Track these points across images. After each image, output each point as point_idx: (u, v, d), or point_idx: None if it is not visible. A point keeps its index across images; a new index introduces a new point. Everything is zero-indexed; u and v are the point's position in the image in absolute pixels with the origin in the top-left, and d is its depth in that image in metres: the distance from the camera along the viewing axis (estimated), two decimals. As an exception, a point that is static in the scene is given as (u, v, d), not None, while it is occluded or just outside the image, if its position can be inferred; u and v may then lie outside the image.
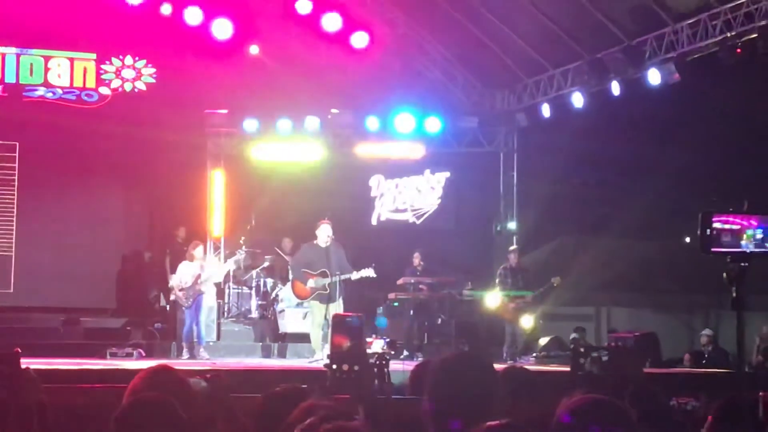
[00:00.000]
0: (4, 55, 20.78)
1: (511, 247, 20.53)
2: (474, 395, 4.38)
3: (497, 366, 4.99)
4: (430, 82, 22.64)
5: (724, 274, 4.54)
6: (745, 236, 4.53)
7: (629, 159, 21.98)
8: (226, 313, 20.95)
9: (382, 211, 22.85)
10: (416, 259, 20.23)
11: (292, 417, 4.61)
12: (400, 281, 20.01)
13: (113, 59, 21.41)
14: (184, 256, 18.80)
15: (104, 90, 21.31)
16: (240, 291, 21.28)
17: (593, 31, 19.16)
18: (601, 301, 25.09)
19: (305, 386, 5.60)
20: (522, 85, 22.01)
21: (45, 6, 20.24)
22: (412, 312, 19.84)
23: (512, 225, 22.72)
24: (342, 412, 4.62)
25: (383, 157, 22.43)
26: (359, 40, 20.76)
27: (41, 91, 20.98)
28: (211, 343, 19.40)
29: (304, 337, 18.64)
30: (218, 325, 20.35)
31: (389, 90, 21.84)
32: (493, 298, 20.03)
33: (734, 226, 4.53)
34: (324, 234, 17.12)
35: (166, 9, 20.52)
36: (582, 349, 13.36)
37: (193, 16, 20.38)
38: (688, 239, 23.66)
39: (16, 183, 21.23)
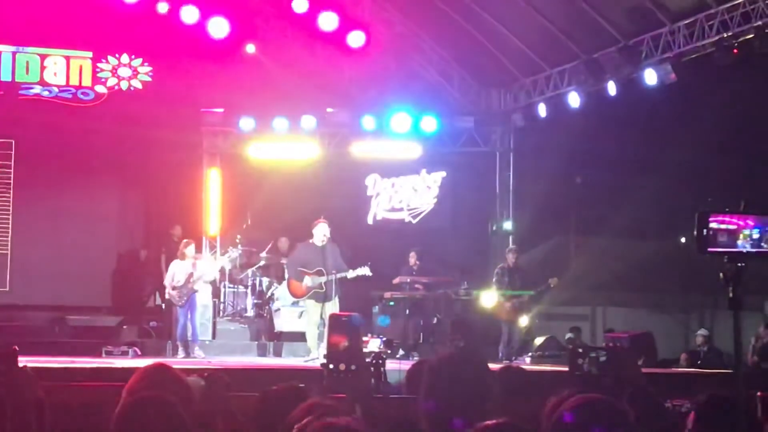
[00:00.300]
0: (0, 53, 20.75)
1: (509, 247, 20.53)
2: (469, 393, 4.40)
3: (493, 366, 5.01)
4: (427, 82, 22.63)
5: (721, 274, 4.54)
6: (741, 236, 4.54)
7: (625, 159, 21.98)
8: (221, 312, 20.95)
9: (378, 211, 22.84)
10: (412, 258, 20.24)
11: (292, 416, 4.62)
12: (395, 280, 20.03)
13: (109, 57, 21.39)
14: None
15: (100, 88, 21.29)
16: (236, 290, 21.28)
17: (590, 31, 19.18)
18: (596, 301, 25.10)
19: (302, 385, 5.61)
20: (518, 84, 22.02)
21: (41, 4, 20.24)
22: (407, 311, 19.85)
23: (508, 225, 22.71)
24: (341, 411, 4.62)
25: (379, 156, 22.42)
26: (355, 39, 20.74)
27: (37, 89, 20.96)
28: (206, 342, 19.41)
29: (299, 336, 18.66)
30: (214, 323, 20.36)
31: (385, 89, 21.84)
32: (489, 298, 20.05)
33: (731, 226, 4.53)
34: (320, 233, 17.13)
35: (162, 7, 20.51)
36: (580, 350, 13.37)
37: (189, 14, 20.37)
38: (683, 239, 23.70)
39: (11, 181, 21.22)
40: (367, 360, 12.19)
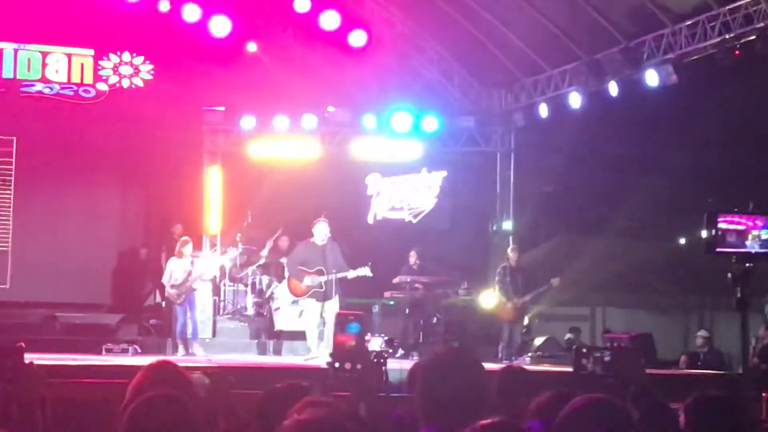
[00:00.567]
0: (1, 50, 20.75)
1: (511, 247, 20.51)
2: (463, 391, 4.41)
3: (493, 366, 5.02)
4: (428, 81, 22.65)
5: (729, 275, 4.54)
6: (750, 237, 4.54)
7: (626, 160, 22.00)
8: (221, 310, 20.96)
9: (379, 210, 22.85)
10: (412, 257, 20.23)
11: (291, 412, 4.63)
12: (395, 280, 20.02)
13: (111, 55, 21.39)
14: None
15: (101, 86, 21.29)
16: (236, 288, 21.28)
17: (591, 32, 19.18)
18: (596, 302, 25.11)
19: (306, 383, 5.62)
20: (519, 84, 22.02)
21: (43, 1, 20.24)
22: (407, 311, 19.85)
23: (508, 225, 22.72)
24: (336, 407, 4.64)
25: (380, 155, 22.43)
26: (357, 38, 20.79)
27: (39, 87, 20.95)
28: (206, 340, 19.43)
29: (299, 335, 18.67)
30: (214, 322, 20.37)
31: (386, 88, 21.86)
32: (489, 298, 20.07)
33: (739, 227, 4.53)
34: (321, 232, 17.13)
35: (164, 6, 20.57)
36: (584, 350, 13.34)
37: (191, 13, 20.42)
38: (683, 240, 23.72)
39: (12, 178, 21.23)
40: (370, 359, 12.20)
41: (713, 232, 4.51)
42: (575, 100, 19.94)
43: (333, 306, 16.81)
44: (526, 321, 19.68)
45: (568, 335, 21.35)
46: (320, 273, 17.01)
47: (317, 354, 16.59)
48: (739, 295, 4.48)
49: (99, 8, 20.34)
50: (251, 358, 18.99)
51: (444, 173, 22.80)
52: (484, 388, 4.54)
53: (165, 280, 18.61)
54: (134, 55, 21.50)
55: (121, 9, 20.39)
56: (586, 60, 19.44)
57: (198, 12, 20.41)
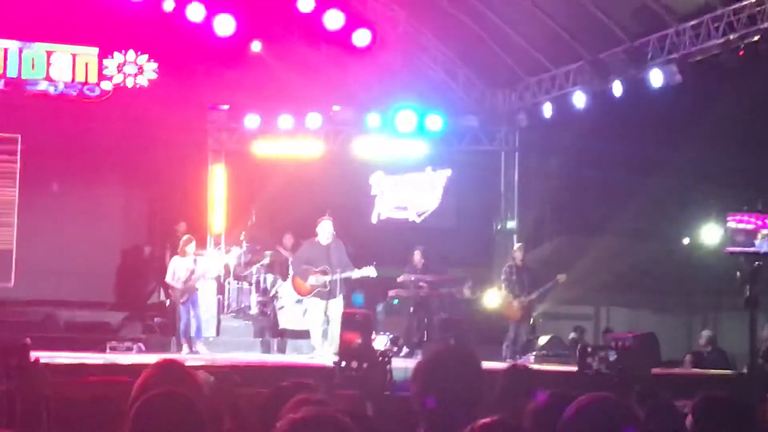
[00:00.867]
0: (6, 49, 20.76)
1: (517, 245, 20.48)
2: (460, 389, 4.42)
3: (497, 364, 5.02)
4: (432, 80, 22.66)
5: (738, 273, 4.55)
6: (759, 236, 4.54)
7: (630, 160, 21.96)
8: (225, 309, 20.98)
9: (383, 209, 22.85)
10: (416, 256, 20.22)
11: (283, 411, 4.64)
12: (400, 279, 20.02)
13: (115, 54, 21.38)
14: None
15: (106, 85, 21.29)
16: (240, 287, 21.30)
17: (595, 32, 19.17)
18: (600, 301, 25.09)
19: (311, 381, 5.62)
20: (524, 84, 22.02)
21: (47, 0, 20.25)
22: (412, 309, 19.86)
23: (512, 224, 22.74)
24: (326, 404, 4.65)
25: (384, 154, 22.44)
26: (361, 37, 20.78)
27: (43, 85, 20.96)
28: (210, 339, 19.44)
29: (303, 334, 18.67)
30: (218, 320, 20.38)
31: (391, 88, 21.85)
32: (494, 296, 20.09)
33: (749, 226, 4.53)
34: (325, 231, 17.13)
35: (168, 5, 20.57)
36: (589, 349, 13.37)
37: (195, 12, 20.42)
38: (687, 240, 23.69)
39: (17, 177, 21.25)
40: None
41: (722, 231, 4.51)
42: (579, 99, 19.94)
43: (337, 305, 16.82)
44: (531, 320, 19.67)
45: (573, 334, 21.34)
46: (325, 272, 17.01)
47: (321, 352, 16.60)
48: (748, 293, 4.48)
49: (103, 7, 20.34)
50: (255, 356, 18.98)
51: (448, 172, 22.81)
52: (481, 386, 4.55)
53: (168, 278, 18.62)
54: (139, 54, 21.50)
55: (125, 8, 20.39)
56: (590, 60, 19.42)
57: (202, 11, 20.41)
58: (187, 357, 17.05)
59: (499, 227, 22.88)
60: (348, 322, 14.47)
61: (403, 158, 22.51)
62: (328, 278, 16.94)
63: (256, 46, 21.49)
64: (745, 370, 14.45)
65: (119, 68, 21.42)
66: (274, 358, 18.95)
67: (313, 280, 17.05)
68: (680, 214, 21.60)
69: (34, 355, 5.67)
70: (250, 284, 21.01)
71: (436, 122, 21.96)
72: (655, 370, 16.49)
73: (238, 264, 21.06)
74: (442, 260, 20.89)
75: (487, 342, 19.86)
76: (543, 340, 20.07)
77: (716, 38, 17.00)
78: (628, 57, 18.50)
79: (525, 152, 22.87)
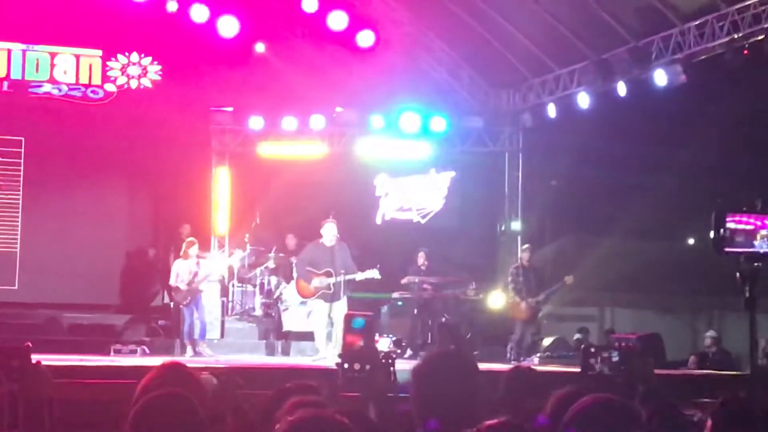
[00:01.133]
0: (10, 51, 20.78)
1: (523, 246, 20.46)
2: (456, 392, 4.41)
3: (502, 366, 5.01)
4: (436, 82, 22.65)
5: (737, 274, 4.52)
6: (758, 236, 4.52)
7: (634, 160, 21.97)
8: (230, 311, 20.98)
9: (387, 210, 22.84)
10: (420, 258, 20.22)
11: (279, 413, 4.64)
12: (404, 280, 20.01)
13: (119, 56, 21.41)
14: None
15: (110, 87, 21.31)
16: (244, 289, 21.30)
17: (599, 32, 19.14)
18: (604, 302, 25.07)
19: (314, 383, 5.62)
20: (527, 85, 22.00)
21: (51, 2, 20.28)
22: (415, 311, 19.85)
23: (517, 225, 22.71)
24: (323, 404, 4.64)
25: (388, 156, 22.43)
26: (365, 38, 20.78)
27: (47, 87, 20.98)
28: (214, 341, 19.44)
29: (307, 336, 18.67)
30: (222, 322, 20.38)
31: (394, 89, 21.84)
32: (499, 298, 20.10)
33: (748, 226, 4.51)
34: (329, 233, 17.11)
35: (172, 6, 20.57)
36: (592, 349, 13.31)
37: (199, 13, 20.43)
38: (692, 240, 23.67)
39: (21, 179, 21.27)
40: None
41: (721, 231, 4.48)
42: (583, 100, 19.92)
43: (341, 307, 16.80)
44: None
45: (577, 335, 21.33)
46: (329, 274, 17.00)
47: (325, 354, 16.59)
48: (747, 294, 4.46)
49: (107, 9, 20.37)
50: (259, 358, 18.99)
51: (452, 173, 22.79)
52: (477, 389, 4.54)
53: (171, 281, 18.62)
54: (142, 55, 21.51)
55: (129, 10, 20.41)
56: (594, 60, 19.40)
57: (206, 12, 20.42)
58: (190, 359, 17.06)
59: (503, 228, 22.85)
60: (350, 324, 14.47)
61: (406, 159, 22.49)
62: (331, 280, 16.92)
63: (259, 47, 21.51)
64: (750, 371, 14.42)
65: (123, 70, 21.44)
66: (277, 360, 18.94)
67: (317, 282, 17.04)
68: (684, 213, 21.56)
69: (35, 357, 5.67)
70: (254, 286, 21.01)
71: (439, 123, 21.94)
72: (660, 371, 16.46)
73: (242, 266, 21.07)
74: (446, 262, 20.88)
75: (492, 343, 19.88)
76: (548, 341, 20.08)
77: (720, 38, 16.98)
78: (632, 57, 18.47)
79: (529, 153, 22.84)
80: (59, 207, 21.34)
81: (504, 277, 20.98)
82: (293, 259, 18.97)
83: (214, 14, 20.46)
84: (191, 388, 4.79)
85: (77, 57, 21.18)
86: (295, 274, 18.16)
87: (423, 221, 22.82)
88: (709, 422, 5.02)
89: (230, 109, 21.67)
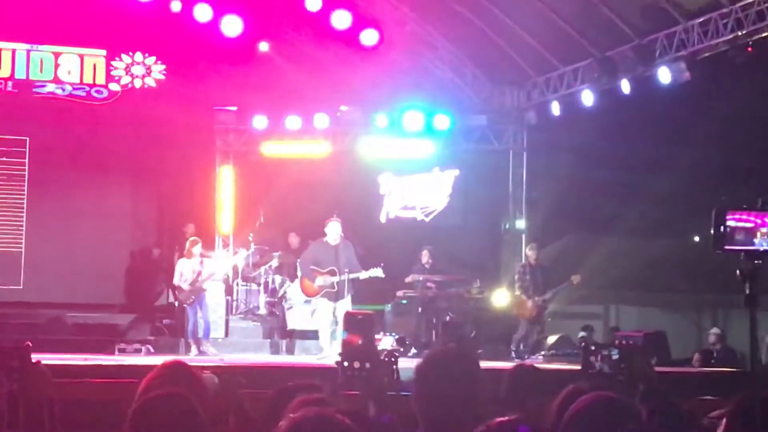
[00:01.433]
0: (14, 51, 20.81)
1: (530, 245, 20.43)
2: (459, 391, 4.41)
3: (506, 364, 5.01)
4: (439, 80, 22.63)
5: (738, 272, 4.52)
6: (759, 234, 4.51)
7: (639, 157, 21.95)
8: (234, 310, 20.99)
9: (391, 209, 22.83)
10: (424, 256, 20.23)
11: (285, 412, 4.64)
12: (408, 279, 20.02)
13: (123, 56, 21.43)
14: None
15: (114, 86, 21.33)
16: (248, 288, 21.31)
17: (603, 29, 19.13)
18: (609, 300, 25.06)
19: (317, 382, 5.62)
20: (531, 82, 21.98)
21: (55, 2, 20.30)
22: (420, 309, 19.86)
23: (521, 223, 22.69)
24: (327, 403, 4.64)
25: (392, 154, 22.41)
26: (368, 37, 20.76)
27: (51, 87, 21.00)
28: (219, 340, 19.44)
29: (312, 334, 18.68)
30: (226, 321, 20.38)
31: (398, 87, 21.84)
32: (505, 296, 20.10)
33: (748, 224, 4.50)
34: (333, 232, 17.13)
35: (175, 6, 20.57)
36: (593, 347, 13.28)
37: (202, 13, 20.43)
38: (697, 238, 23.65)
39: (26, 178, 21.30)
40: (381, 358, 12.20)
41: (721, 229, 4.48)
42: (588, 97, 19.90)
43: (345, 306, 16.82)
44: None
45: (582, 333, 21.31)
46: (333, 273, 17.01)
47: (330, 353, 16.59)
48: (747, 292, 4.45)
49: (111, 9, 20.38)
50: (264, 357, 18.99)
51: (456, 172, 22.77)
52: (480, 388, 4.55)
53: (175, 280, 18.64)
54: (146, 55, 21.54)
55: (133, 9, 20.42)
56: (598, 57, 19.38)
57: (210, 12, 20.42)
58: (194, 358, 17.07)
59: (507, 226, 22.83)
60: (350, 322, 14.49)
61: (410, 158, 22.47)
62: (335, 279, 16.93)
63: (263, 46, 21.52)
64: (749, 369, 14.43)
65: (127, 70, 21.47)
66: (280, 358, 18.95)
67: (321, 281, 17.05)
68: (689, 211, 21.53)
69: (37, 357, 5.67)
70: (259, 285, 21.02)
71: (443, 121, 21.92)
72: (664, 369, 16.45)
73: (246, 265, 21.08)
74: (450, 260, 20.88)
75: (496, 341, 19.86)
76: (552, 339, 20.07)
77: (724, 35, 16.95)
78: (637, 54, 18.45)
79: (533, 151, 22.82)
80: (63, 206, 21.36)
81: (508, 275, 21.00)
82: (297, 260, 18.98)
83: (218, 14, 20.46)
84: (193, 388, 4.79)
85: (81, 57, 21.21)
86: (299, 273, 18.19)
87: (427, 220, 22.81)
88: (725, 422, 4.99)
89: (234, 108, 21.67)
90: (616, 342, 14.59)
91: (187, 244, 18.78)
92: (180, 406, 4.11)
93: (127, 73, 21.45)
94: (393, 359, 11.76)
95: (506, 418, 4.04)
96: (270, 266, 20.79)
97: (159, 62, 21.61)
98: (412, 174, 22.83)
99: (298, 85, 21.14)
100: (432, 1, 21.41)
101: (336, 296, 16.97)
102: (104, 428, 8.33)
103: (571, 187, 22.19)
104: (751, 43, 16.45)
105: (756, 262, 4.49)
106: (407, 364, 13.24)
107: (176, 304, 19.70)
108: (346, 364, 6.78)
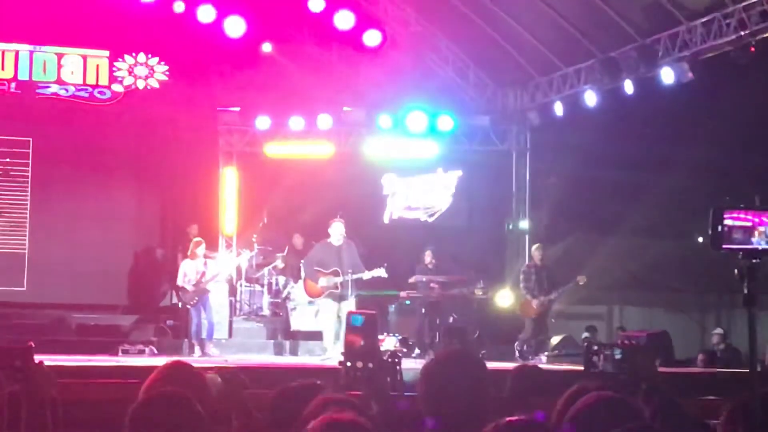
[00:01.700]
0: (17, 52, 20.83)
1: (535, 245, 20.41)
2: (465, 392, 4.42)
3: (509, 364, 5.01)
4: (443, 81, 22.62)
5: (736, 271, 4.52)
6: (757, 233, 4.51)
7: (642, 158, 21.92)
8: (237, 311, 20.99)
9: (394, 210, 22.85)
10: (428, 257, 20.22)
11: (306, 412, 4.64)
12: (411, 279, 20.02)
13: (126, 56, 21.44)
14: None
15: (117, 87, 21.34)
16: (252, 289, 21.32)
17: (606, 30, 19.12)
18: (612, 300, 25.06)
19: (319, 382, 5.61)
20: (534, 83, 21.98)
21: (58, 3, 20.30)
22: (423, 310, 19.85)
23: (524, 224, 22.70)
24: (355, 406, 4.64)
25: (395, 155, 22.42)
26: (372, 38, 20.79)
27: (54, 88, 21.01)
28: (222, 341, 19.45)
29: (315, 335, 18.69)
30: (230, 322, 20.39)
31: (401, 88, 21.84)
32: (505, 297, 20.09)
33: (746, 223, 4.51)
34: (337, 232, 17.15)
35: (179, 6, 20.59)
36: (595, 347, 13.33)
37: (206, 13, 20.45)
38: (700, 238, 23.63)
39: (29, 180, 21.31)
40: (384, 358, 12.21)
41: (719, 228, 4.48)
42: (590, 98, 19.90)
43: (349, 306, 16.81)
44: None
45: (585, 334, 21.32)
46: (336, 274, 17.02)
47: (334, 354, 16.59)
48: (746, 291, 4.45)
49: (114, 10, 20.39)
50: (267, 358, 19.00)
51: (459, 173, 22.79)
52: (486, 388, 4.55)
53: (179, 281, 18.65)
54: (149, 56, 21.54)
55: (136, 10, 20.43)
56: (601, 58, 19.37)
57: (213, 13, 20.44)
58: (197, 359, 17.07)
59: (510, 227, 22.84)
60: (350, 321, 14.48)
61: (414, 158, 22.47)
62: (338, 279, 16.94)
63: (266, 47, 21.51)
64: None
65: (130, 70, 21.47)
66: (283, 359, 18.95)
67: (324, 281, 17.06)
68: (692, 211, 21.51)
69: (40, 358, 5.67)
70: (262, 286, 21.04)
71: (446, 122, 21.92)
72: (668, 369, 16.46)
73: (249, 266, 21.08)
74: (453, 261, 20.87)
75: (499, 342, 19.86)
76: (556, 340, 20.07)
77: (728, 35, 16.94)
78: (639, 55, 18.44)
79: (536, 152, 22.82)
80: (67, 207, 21.39)
81: (511, 275, 21.01)
82: (301, 260, 18.99)
83: (221, 14, 20.48)
84: (195, 388, 4.79)
85: (84, 58, 21.22)
86: (303, 274, 18.19)
87: (430, 220, 22.82)
88: (723, 419, 5.00)
89: (237, 109, 21.68)
90: (619, 342, 14.62)
91: (191, 244, 18.80)
92: (179, 405, 4.11)
93: (130, 74, 21.46)
94: (396, 360, 11.80)
95: (514, 418, 4.04)
96: (273, 267, 20.80)
97: (162, 63, 21.61)
98: (415, 175, 22.84)
99: (301, 85, 21.15)
100: (435, 2, 21.42)
101: (340, 297, 16.98)
102: (107, 429, 8.32)
103: (575, 188, 22.18)
104: (754, 43, 16.45)
105: (754, 260, 4.49)
106: (410, 365, 13.31)
107: (180, 305, 19.71)
108: (349, 364, 6.79)
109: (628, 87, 18.79)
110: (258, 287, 21.22)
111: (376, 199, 22.68)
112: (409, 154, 22.43)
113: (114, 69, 21.37)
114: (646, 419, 4.28)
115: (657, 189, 21.65)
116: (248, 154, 21.98)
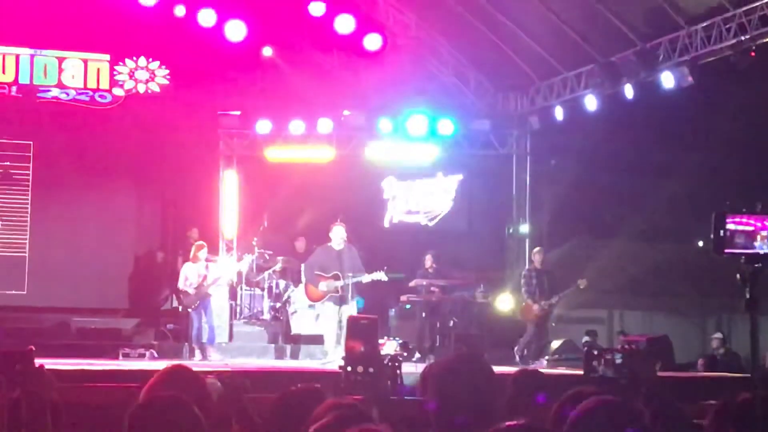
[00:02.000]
0: (18, 56, 20.84)
1: (536, 249, 20.41)
2: (475, 394, 4.42)
3: (510, 369, 5.01)
4: (443, 85, 22.63)
5: (738, 275, 4.53)
6: (759, 237, 4.52)
7: (642, 162, 21.93)
8: (238, 315, 20.98)
9: (395, 213, 22.84)
10: (428, 261, 20.23)
11: (313, 416, 4.64)
12: (412, 283, 20.02)
13: (127, 60, 21.44)
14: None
15: (118, 91, 21.34)
16: (252, 292, 21.30)
17: (606, 34, 19.12)
18: (613, 305, 25.03)
19: (320, 386, 5.62)
20: (535, 87, 21.98)
21: (59, 7, 20.32)
22: (423, 314, 19.85)
23: (524, 228, 22.70)
24: (361, 411, 4.65)
25: (396, 159, 22.41)
26: (372, 42, 20.79)
27: (55, 92, 21.02)
28: (223, 344, 19.46)
29: (316, 339, 18.68)
30: (231, 326, 20.38)
31: (402, 92, 21.84)
32: (505, 301, 20.08)
33: (748, 228, 4.51)
34: (338, 236, 17.17)
35: (179, 10, 20.60)
36: (595, 351, 13.33)
37: (206, 17, 20.47)
38: (701, 243, 23.63)
39: (30, 183, 21.32)
40: (384, 362, 12.21)
41: (721, 233, 4.49)
42: (591, 102, 19.90)
43: (350, 310, 16.83)
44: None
45: (585, 338, 21.30)
46: (337, 278, 17.03)
47: (335, 358, 16.59)
48: (748, 295, 4.46)
49: (115, 13, 20.41)
50: (268, 362, 18.99)
51: (460, 176, 22.79)
52: (494, 392, 4.55)
53: (180, 284, 18.65)
54: (150, 60, 21.54)
55: (136, 14, 20.44)
56: (601, 62, 19.37)
57: (214, 17, 20.46)
58: (198, 363, 17.07)
59: (511, 231, 22.84)
60: (353, 327, 14.50)
61: (414, 162, 22.47)
62: (339, 283, 16.95)
63: (267, 51, 21.53)
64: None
65: (131, 74, 21.47)
66: (284, 363, 18.95)
67: (324, 285, 17.07)
68: (693, 216, 21.51)
69: (41, 362, 5.67)
70: (263, 290, 21.02)
71: (447, 126, 21.92)
72: (669, 374, 16.45)
73: (250, 270, 21.07)
74: (453, 264, 20.89)
75: (500, 346, 19.85)
76: (556, 344, 20.07)
77: (728, 40, 16.92)
78: (640, 59, 18.44)
79: (537, 156, 22.82)
80: (68, 211, 21.39)
81: (512, 279, 21.01)
82: (302, 264, 18.99)
83: (222, 19, 20.50)
84: (196, 392, 4.79)
85: (85, 61, 21.23)
86: (303, 279, 18.19)
87: (431, 224, 22.82)
88: (707, 421, 5.02)
89: (238, 113, 21.67)
90: (619, 346, 14.61)
91: (194, 248, 18.81)
92: (179, 409, 4.11)
93: (130, 78, 21.46)
94: (396, 364, 11.81)
95: (514, 422, 4.04)
96: (274, 271, 20.79)
97: (163, 67, 21.62)
98: (415, 179, 22.84)
99: (301, 89, 21.15)
100: (435, 6, 21.42)
101: (341, 300, 16.99)
102: (107, 432, 8.33)
103: (575, 192, 22.18)
104: (754, 47, 16.44)
105: (756, 265, 4.50)
106: (410, 369, 13.31)
107: (180, 308, 19.72)
108: (349, 368, 6.79)
109: (629, 91, 18.78)
110: (258, 291, 21.21)
111: (377, 203, 22.68)
112: (410, 158, 22.43)
113: (115, 73, 21.37)
114: (646, 423, 4.27)
115: (657, 193, 21.65)
116: (249, 158, 21.97)
